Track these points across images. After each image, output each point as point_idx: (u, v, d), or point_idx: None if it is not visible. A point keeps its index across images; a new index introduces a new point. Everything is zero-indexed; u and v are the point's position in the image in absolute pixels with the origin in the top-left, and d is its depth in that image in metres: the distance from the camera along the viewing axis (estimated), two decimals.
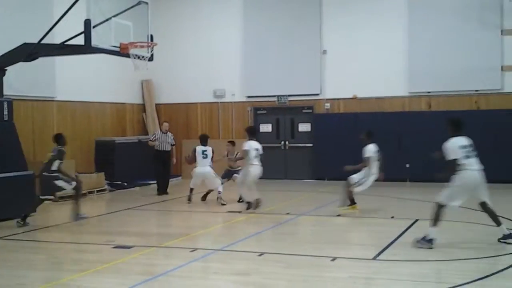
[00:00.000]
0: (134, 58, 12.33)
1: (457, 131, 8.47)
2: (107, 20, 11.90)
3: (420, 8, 17.39)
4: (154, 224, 12.14)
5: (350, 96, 18.11)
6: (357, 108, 17.97)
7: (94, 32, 11.30)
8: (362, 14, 17.97)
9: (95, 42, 11.36)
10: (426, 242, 8.32)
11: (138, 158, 17.33)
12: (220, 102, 19.63)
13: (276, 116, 19.27)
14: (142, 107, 20.04)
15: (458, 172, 8.24)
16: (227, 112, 19.59)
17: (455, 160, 8.24)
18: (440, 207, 8.41)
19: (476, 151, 8.40)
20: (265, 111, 19.36)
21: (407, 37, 17.53)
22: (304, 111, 18.89)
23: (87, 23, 11.20)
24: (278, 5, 18.84)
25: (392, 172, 17.38)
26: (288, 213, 11.97)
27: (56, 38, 12.73)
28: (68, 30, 11.77)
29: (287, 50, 18.64)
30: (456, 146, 8.29)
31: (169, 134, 15.94)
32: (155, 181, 16.16)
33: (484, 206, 8.58)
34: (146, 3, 13.10)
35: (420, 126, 16.88)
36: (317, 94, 18.53)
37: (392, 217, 11.29)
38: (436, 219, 8.37)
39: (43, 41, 11.97)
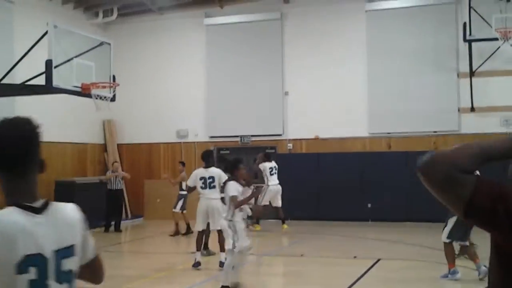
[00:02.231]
0: (96, 98, 12.28)
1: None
2: (69, 60, 11.85)
3: (379, 52, 17.80)
4: (115, 265, 11.89)
5: (312, 136, 18.30)
6: (319, 148, 18.15)
7: (55, 72, 11.22)
8: (323, 57, 18.30)
9: (56, 82, 11.28)
10: None
11: (99, 199, 17.04)
12: (183, 142, 19.59)
13: (239, 156, 19.24)
14: (104, 147, 19.85)
15: None
16: (190, 152, 19.53)
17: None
18: None
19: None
20: (228, 151, 19.37)
21: (366, 79, 17.89)
22: (267, 151, 18.94)
23: (49, 63, 11.14)
24: (241, 47, 19.06)
25: (354, 212, 17.63)
26: (251, 254, 11.89)
27: (16, 77, 12.60)
28: (29, 70, 11.68)
29: (250, 91, 18.80)
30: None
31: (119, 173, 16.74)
32: (106, 221, 16.36)
33: None
34: (109, 43, 13.12)
35: (381, 166, 17.11)
36: (280, 135, 18.67)
37: (355, 257, 11.32)
38: None
39: (3, 81, 11.84)
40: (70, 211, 2.28)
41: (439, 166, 1.63)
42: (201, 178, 10.65)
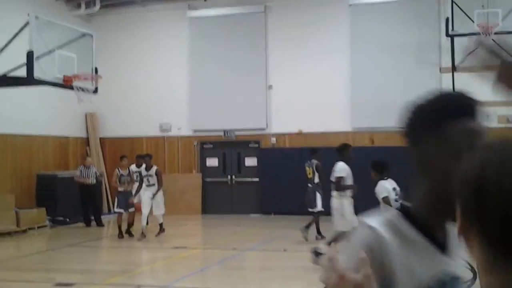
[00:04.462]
0: (78, 90, 12.14)
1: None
2: (50, 52, 11.70)
3: (362, 46, 17.82)
4: (96, 260, 11.81)
5: (296, 131, 18.29)
6: (302, 142, 18.11)
7: (37, 64, 11.07)
8: (306, 51, 18.27)
9: (38, 74, 11.12)
10: None
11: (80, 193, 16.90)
12: (166, 136, 19.47)
13: (222, 151, 19.23)
14: (86, 141, 19.66)
15: None
16: (173, 147, 19.43)
17: None
18: None
19: None
20: (211, 146, 19.31)
21: (349, 73, 17.91)
22: (250, 145, 18.93)
23: (30, 54, 10.99)
24: (224, 40, 18.97)
25: None
26: (234, 248, 11.87)
27: None
28: (9, 62, 11.50)
29: (234, 85, 18.73)
30: None
31: (92, 167, 16.51)
32: (84, 216, 16.25)
33: None
34: (91, 35, 12.98)
35: (363, 161, 17.09)
36: (264, 129, 18.63)
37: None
38: None
39: None
40: None
41: None
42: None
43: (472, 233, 1.01)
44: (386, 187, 8.15)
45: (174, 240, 12.95)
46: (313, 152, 13.04)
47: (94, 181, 16.36)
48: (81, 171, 16.26)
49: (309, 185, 12.67)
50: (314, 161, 12.71)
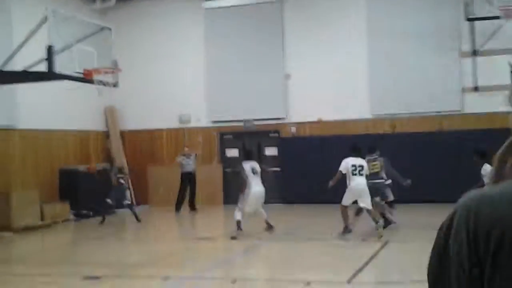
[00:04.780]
0: (99, 84, 12.16)
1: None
2: (70, 46, 11.72)
3: (380, 33, 17.61)
4: (121, 252, 11.87)
5: (315, 119, 18.20)
6: (322, 131, 18.05)
7: (57, 59, 11.11)
8: (324, 39, 18.14)
9: (58, 68, 11.16)
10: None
11: (103, 186, 16.97)
12: (186, 128, 19.47)
13: (242, 141, 19.19)
14: (106, 134, 19.73)
15: None
16: (193, 138, 19.43)
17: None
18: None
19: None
20: (231, 136, 19.28)
21: (368, 60, 17.74)
22: (270, 135, 18.87)
23: (50, 49, 11.02)
24: (241, 30, 18.89)
25: None
26: (258, 238, 11.86)
27: (17, 65, 12.46)
28: (29, 57, 11.54)
29: (251, 75, 18.65)
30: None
31: (192, 156, 17.57)
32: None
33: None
34: (110, 29, 12.98)
35: (384, 148, 16.98)
36: (283, 118, 18.55)
37: (364, 240, 11.28)
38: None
39: (4, 68, 11.72)
40: None
41: None
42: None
43: None
44: (346, 162, 11.27)
45: (198, 231, 12.98)
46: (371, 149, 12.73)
47: (194, 168, 17.35)
48: (182, 159, 17.22)
49: (378, 180, 12.29)
50: (381, 158, 12.58)
